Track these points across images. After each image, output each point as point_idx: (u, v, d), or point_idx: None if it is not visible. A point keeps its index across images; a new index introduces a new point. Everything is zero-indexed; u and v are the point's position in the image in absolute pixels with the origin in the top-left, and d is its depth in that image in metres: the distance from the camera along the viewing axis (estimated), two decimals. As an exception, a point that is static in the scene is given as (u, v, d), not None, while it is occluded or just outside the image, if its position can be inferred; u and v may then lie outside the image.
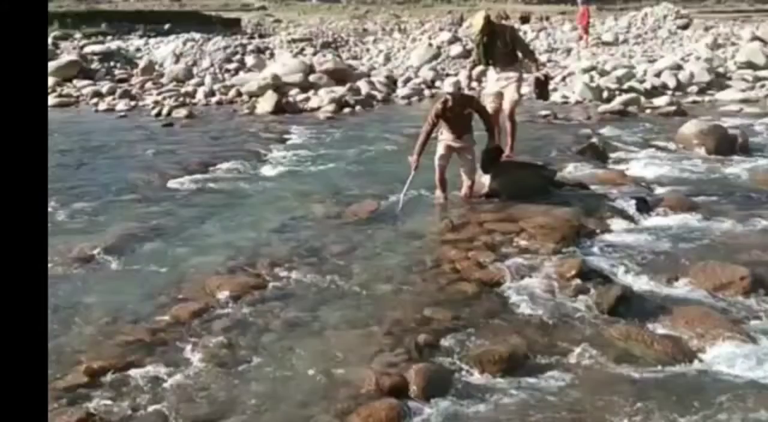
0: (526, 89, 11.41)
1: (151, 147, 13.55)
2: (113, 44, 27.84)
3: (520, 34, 10.63)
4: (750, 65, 20.39)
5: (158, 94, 20.01)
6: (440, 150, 8.48)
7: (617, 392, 4.49)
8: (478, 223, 7.71)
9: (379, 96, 19.52)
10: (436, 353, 4.97)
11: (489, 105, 9.23)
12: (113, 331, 5.44)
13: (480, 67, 10.22)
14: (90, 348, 5.13)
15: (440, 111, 8.21)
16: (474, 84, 9.88)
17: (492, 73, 9.51)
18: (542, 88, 9.33)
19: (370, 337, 5.22)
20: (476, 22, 9.30)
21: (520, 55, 9.40)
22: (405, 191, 8.30)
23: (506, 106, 9.25)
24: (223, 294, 6.02)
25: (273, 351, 5.11)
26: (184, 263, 7.03)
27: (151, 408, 4.40)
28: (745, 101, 17.59)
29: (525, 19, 33.85)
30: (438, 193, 8.62)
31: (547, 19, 34.56)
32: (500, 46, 9.15)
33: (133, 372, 4.81)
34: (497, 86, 9.32)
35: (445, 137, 8.43)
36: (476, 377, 4.68)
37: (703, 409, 4.24)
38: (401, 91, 20.12)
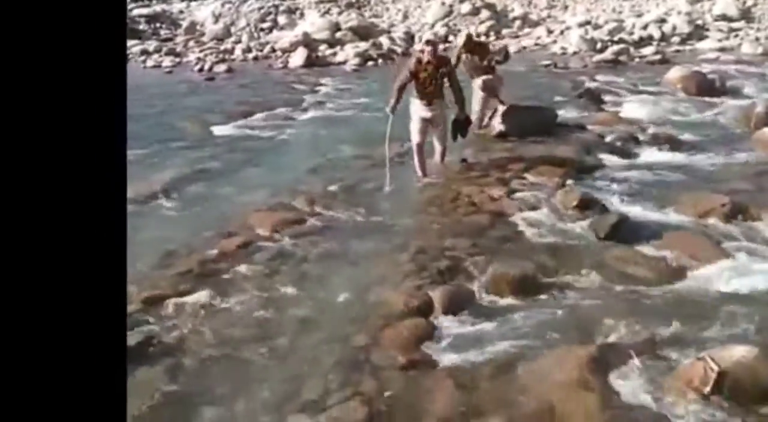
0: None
1: (196, 98, 13.45)
2: (158, 7, 27.46)
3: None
4: (725, 17, 20.28)
5: (200, 51, 19.82)
6: (414, 126, 7.21)
7: (614, 306, 4.41)
8: (490, 161, 7.60)
9: (399, 50, 19.40)
10: (456, 277, 4.90)
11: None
12: (166, 263, 5.39)
13: None
14: (146, 279, 5.05)
15: (415, 66, 6.96)
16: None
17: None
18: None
19: (397, 265, 5.15)
20: (459, 40, 8.75)
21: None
22: (388, 136, 7.21)
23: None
24: (264, 229, 5.94)
25: (311, 278, 5.04)
26: (229, 201, 6.98)
27: (201, 331, 4.34)
28: (721, 49, 17.47)
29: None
30: (420, 176, 7.30)
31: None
32: (478, 61, 8.74)
33: (185, 299, 4.73)
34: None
35: (416, 107, 7.14)
36: (492, 297, 4.62)
37: (689, 319, 4.18)
38: (418, 45, 19.69)
